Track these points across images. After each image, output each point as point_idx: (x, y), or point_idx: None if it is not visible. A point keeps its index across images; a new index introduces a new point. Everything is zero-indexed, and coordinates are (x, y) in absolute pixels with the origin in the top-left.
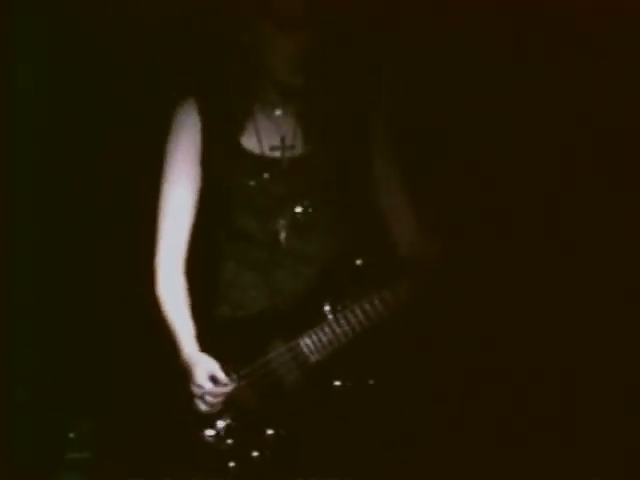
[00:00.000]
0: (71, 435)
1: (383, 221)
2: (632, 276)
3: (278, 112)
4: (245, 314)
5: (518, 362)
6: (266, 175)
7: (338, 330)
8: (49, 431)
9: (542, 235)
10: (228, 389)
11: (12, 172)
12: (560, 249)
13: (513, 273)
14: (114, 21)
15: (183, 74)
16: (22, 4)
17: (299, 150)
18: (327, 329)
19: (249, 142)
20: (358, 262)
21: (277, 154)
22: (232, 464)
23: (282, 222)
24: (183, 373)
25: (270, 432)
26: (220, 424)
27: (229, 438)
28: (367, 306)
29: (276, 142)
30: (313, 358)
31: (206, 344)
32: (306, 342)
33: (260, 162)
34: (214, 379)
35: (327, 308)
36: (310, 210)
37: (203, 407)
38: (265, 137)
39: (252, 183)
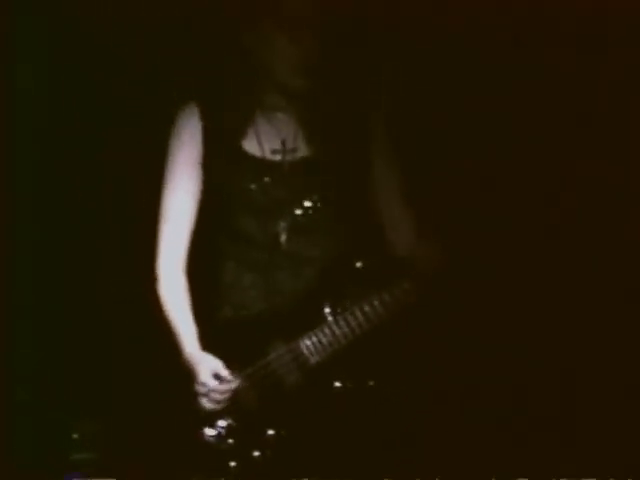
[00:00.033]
0: (75, 436)
1: (382, 222)
2: (632, 277)
3: (279, 115)
4: (247, 314)
5: (518, 363)
6: (267, 178)
7: (338, 332)
8: (49, 431)
9: (542, 236)
10: (233, 386)
11: (12, 172)
12: (560, 250)
13: (513, 274)
14: (114, 21)
15: (183, 75)
16: (22, 4)
17: (300, 153)
18: (327, 330)
19: (250, 145)
20: (358, 264)
21: (278, 157)
22: (233, 464)
23: (283, 224)
24: (184, 373)
25: (271, 432)
26: (221, 424)
27: (230, 438)
28: (367, 308)
29: (277, 145)
30: (313, 359)
31: (207, 345)
32: (306, 343)
33: (261, 165)
34: (218, 377)
35: (327, 310)
36: (310, 212)
37: (209, 405)
38: (266, 140)
39: (253, 186)
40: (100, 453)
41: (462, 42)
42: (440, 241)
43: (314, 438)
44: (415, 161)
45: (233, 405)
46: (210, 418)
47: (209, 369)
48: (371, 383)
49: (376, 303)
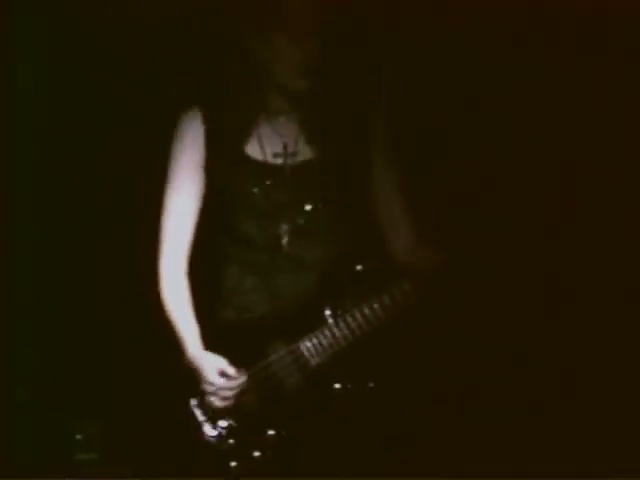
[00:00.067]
0: (75, 436)
1: (382, 222)
2: (632, 277)
3: (281, 119)
4: (250, 317)
5: (518, 363)
6: (269, 182)
7: (338, 334)
8: (49, 432)
9: (542, 237)
10: (240, 381)
11: (12, 172)
12: (560, 250)
13: (513, 276)
14: (115, 22)
15: (185, 77)
16: (22, 4)
17: (301, 157)
18: (327, 333)
19: (252, 149)
20: (358, 267)
21: (280, 161)
22: (233, 464)
23: (284, 227)
24: (185, 373)
25: (271, 433)
26: (222, 424)
27: (231, 438)
28: (367, 310)
29: (279, 149)
30: (313, 361)
31: (209, 347)
32: (307, 345)
33: (263, 169)
34: (224, 374)
35: (327, 312)
36: (312, 215)
37: (218, 403)
38: (268, 144)
39: (255, 190)
40: (101, 453)
41: (462, 42)
42: (440, 242)
43: (314, 439)
44: (415, 161)
45: (234, 407)
46: (211, 418)
47: (215, 367)
48: (371, 384)
49: (376, 305)
